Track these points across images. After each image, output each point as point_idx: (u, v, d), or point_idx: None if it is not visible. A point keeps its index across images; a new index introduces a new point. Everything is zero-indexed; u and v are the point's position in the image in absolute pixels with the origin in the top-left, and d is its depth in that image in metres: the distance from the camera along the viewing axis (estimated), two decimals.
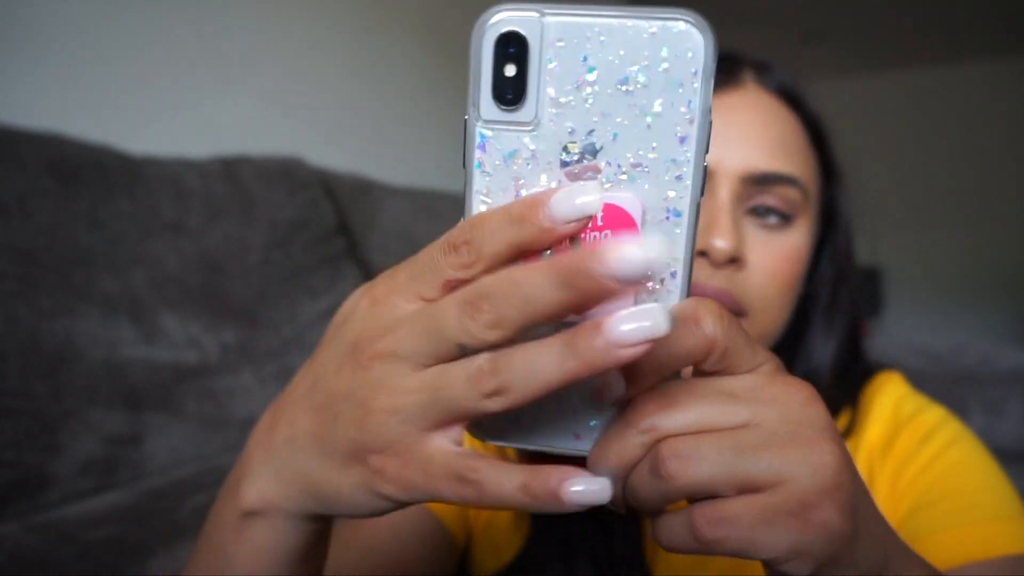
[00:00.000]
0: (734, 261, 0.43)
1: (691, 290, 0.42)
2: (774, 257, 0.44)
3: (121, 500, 0.66)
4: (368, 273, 1.28)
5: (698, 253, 0.43)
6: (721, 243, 0.41)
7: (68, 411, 0.71)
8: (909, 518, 0.43)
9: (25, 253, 0.72)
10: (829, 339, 0.48)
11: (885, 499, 0.45)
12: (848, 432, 0.48)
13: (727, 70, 0.46)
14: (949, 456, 0.44)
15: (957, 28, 4.50)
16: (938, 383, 1.46)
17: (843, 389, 0.51)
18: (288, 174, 1.17)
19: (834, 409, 0.49)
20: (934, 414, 0.47)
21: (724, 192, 0.43)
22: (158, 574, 0.53)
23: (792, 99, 0.47)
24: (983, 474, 0.44)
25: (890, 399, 0.49)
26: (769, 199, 0.44)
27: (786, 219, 0.45)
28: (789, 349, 0.49)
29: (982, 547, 0.40)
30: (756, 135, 0.44)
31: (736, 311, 0.43)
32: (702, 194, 0.22)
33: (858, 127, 5.51)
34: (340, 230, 1.24)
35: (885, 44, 4.85)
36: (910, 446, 0.45)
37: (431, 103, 2.01)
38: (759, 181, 0.43)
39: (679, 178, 0.22)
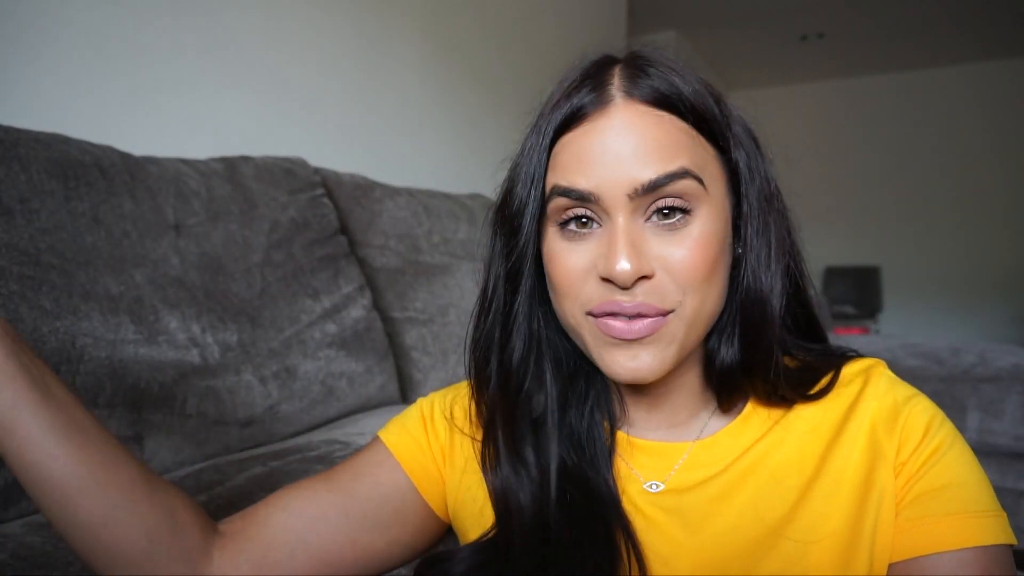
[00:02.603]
0: (643, 278, 0.45)
1: (609, 312, 0.46)
2: (682, 251, 0.46)
3: None
4: (368, 273, 1.28)
5: (605, 279, 0.46)
6: (621, 266, 0.44)
7: None
8: (916, 502, 0.47)
9: (27, 253, 0.73)
10: (757, 287, 0.50)
11: (892, 463, 0.49)
12: (830, 386, 0.52)
13: (596, 90, 0.48)
14: (952, 449, 0.48)
15: (956, 30, 4.51)
16: (936, 383, 1.46)
17: (822, 358, 0.54)
18: (289, 174, 1.17)
19: (815, 374, 0.53)
20: (927, 404, 0.50)
21: (619, 216, 0.46)
22: None
23: (664, 102, 0.48)
24: (974, 468, 0.48)
25: (885, 380, 0.52)
26: (665, 200, 0.46)
27: (686, 211, 0.47)
28: (731, 307, 0.52)
29: (978, 535, 0.44)
30: (631, 151, 0.46)
31: (662, 314, 0.46)
32: None
33: (857, 127, 5.52)
34: (340, 230, 1.25)
35: (884, 45, 4.85)
36: (916, 430, 0.48)
37: (431, 104, 2.01)
38: (648, 190, 0.45)
39: None
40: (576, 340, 0.51)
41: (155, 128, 1.19)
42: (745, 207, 0.50)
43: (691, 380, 0.54)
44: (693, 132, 0.48)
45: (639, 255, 0.45)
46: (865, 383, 0.52)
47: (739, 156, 0.50)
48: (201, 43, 1.28)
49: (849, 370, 0.53)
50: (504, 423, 0.53)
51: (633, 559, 0.48)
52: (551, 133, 0.49)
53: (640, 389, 0.54)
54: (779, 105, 5.65)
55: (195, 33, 1.27)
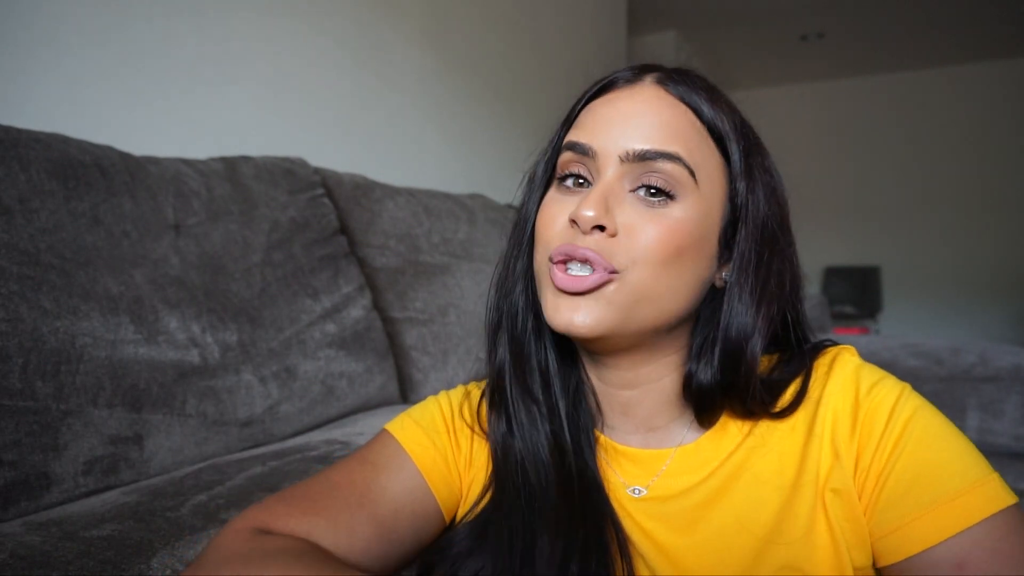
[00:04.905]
0: (602, 229, 0.48)
1: (564, 254, 0.49)
2: (649, 225, 0.48)
3: (123, 499, 0.67)
4: (368, 273, 1.28)
5: (570, 221, 0.49)
6: (586, 212, 0.47)
7: (70, 410, 0.71)
8: (892, 504, 0.45)
9: (27, 253, 0.73)
10: (737, 319, 0.50)
11: (852, 470, 0.47)
12: (797, 402, 0.51)
13: (631, 75, 0.52)
14: (915, 431, 0.46)
15: (955, 31, 4.50)
16: (936, 383, 1.46)
17: (793, 362, 0.54)
18: (289, 174, 1.17)
19: (784, 384, 0.52)
20: (891, 387, 0.49)
21: (609, 171, 0.49)
22: (159, 572, 0.53)
23: (689, 101, 0.51)
24: (947, 443, 0.46)
25: (849, 369, 0.51)
26: (652, 177, 0.48)
27: (670, 196, 0.49)
28: (712, 332, 0.52)
29: (962, 518, 0.43)
30: (637, 121, 0.49)
31: (608, 269, 0.47)
32: None
33: (857, 127, 5.52)
34: (340, 230, 1.24)
35: (884, 45, 4.85)
36: (876, 424, 0.47)
37: (431, 104, 2.01)
38: (638, 158, 0.48)
39: None
40: (537, 288, 0.53)
41: (155, 128, 1.19)
42: (740, 235, 0.51)
43: (663, 388, 0.54)
44: (706, 135, 0.50)
45: (606, 209, 0.48)
46: (828, 377, 0.51)
47: (742, 186, 0.51)
48: (201, 43, 1.28)
49: (818, 363, 0.53)
50: (513, 366, 0.55)
51: (620, 552, 0.49)
52: (583, 101, 0.54)
53: (610, 387, 0.55)
54: (779, 105, 5.65)
55: (195, 33, 1.27)
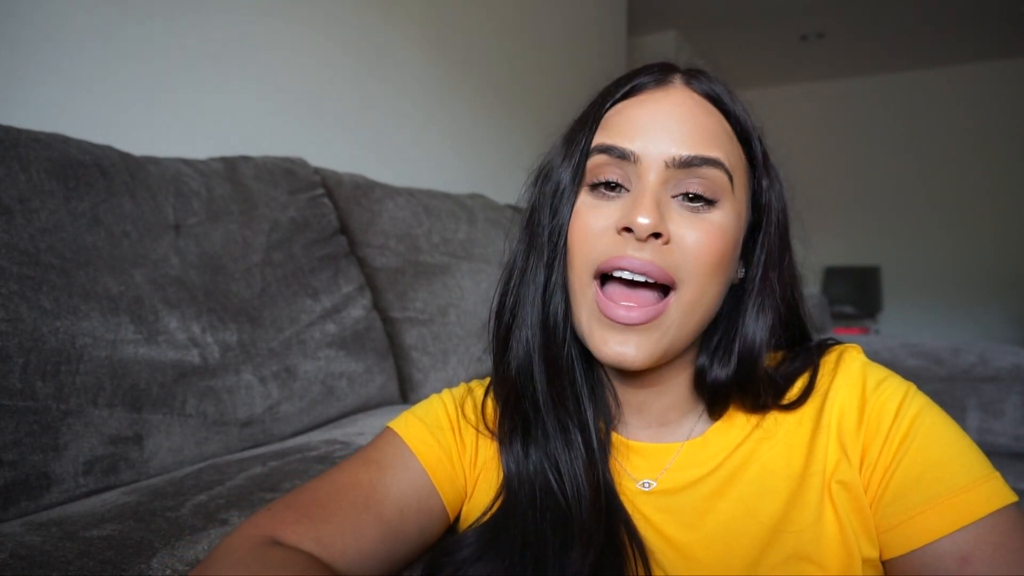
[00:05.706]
0: (658, 236, 0.47)
1: (616, 267, 0.48)
2: (699, 232, 0.48)
3: (122, 499, 0.67)
4: (368, 273, 1.28)
5: (623, 229, 0.48)
6: (643, 219, 0.46)
7: (70, 410, 0.71)
8: (898, 498, 0.46)
9: (27, 253, 0.73)
10: (761, 317, 0.51)
11: (858, 464, 0.48)
12: (806, 395, 0.52)
13: (658, 77, 0.52)
14: (921, 428, 0.47)
15: (955, 31, 4.50)
16: (936, 383, 1.46)
17: (799, 358, 0.54)
18: (289, 174, 1.17)
19: (792, 378, 0.53)
20: (897, 385, 0.50)
21: (652, 176, 0.48)
22: (159, 572, 0.53)
23: (717, 103, 0.51)
24: (952, 440, 0.47)
25: (856, 365, 0.52)
26: (693, 182, 0.48)
27: (711, 202, 0.49)
28: (729, 328, 0.53)
29: (967, 513, 0.43)
30: (678, 126, 0.49)
31: (667, 283, 0.47)
32: None
33: (857, 127, 5.52)
34: (340, 230, 1.25)
35: (884, 45, 4.85)
36: (883, 419, 0.48)
37: (432, 103, 2.01)
38: (683, 164, 0.48)
39: None
40: (574, 311, 0.52)
41: (155, 128, 1.19)
42: (763, 233, 0.52)
43: (679, 384, 0.55)
44: (734, 138, 0.51)
45: (660, 215, 0.47)
46: (835, 373, 0.52)
47: (765, 184, 0.52)
48: (201, 43, 1.28)
49: (825, 360, 0.54)
50: (549, 378, 0.53)
51: (636, 552, 0.49)
52: (607, 103, 0.53)
53: (630, 387, 0.55)
54: (779, 105, 5.65)
55: (195, 33, 1.27)
